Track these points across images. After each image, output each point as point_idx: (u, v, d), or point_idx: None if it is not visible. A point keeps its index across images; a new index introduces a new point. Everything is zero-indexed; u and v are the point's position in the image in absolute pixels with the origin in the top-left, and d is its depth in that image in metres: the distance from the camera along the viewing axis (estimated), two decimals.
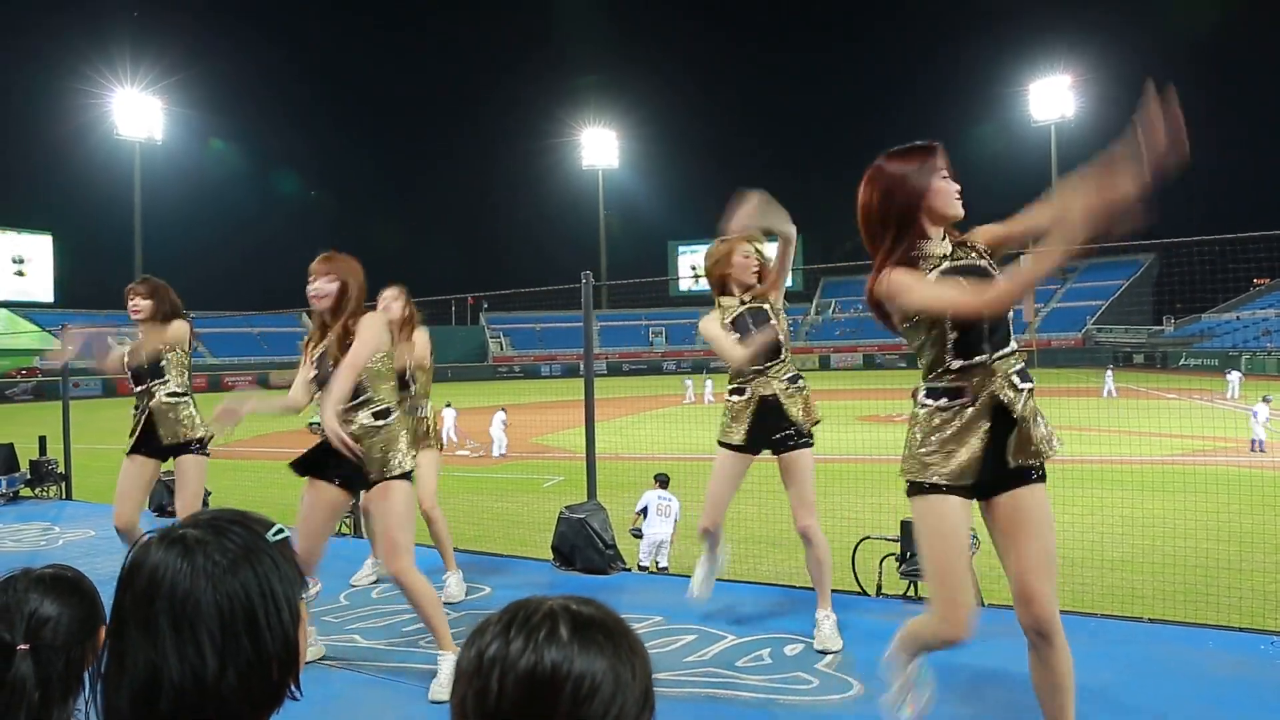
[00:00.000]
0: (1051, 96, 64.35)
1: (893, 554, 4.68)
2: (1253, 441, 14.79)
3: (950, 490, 2.38)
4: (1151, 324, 55.68)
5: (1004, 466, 2.38)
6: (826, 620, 3.91)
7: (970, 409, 2.37)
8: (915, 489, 2.43)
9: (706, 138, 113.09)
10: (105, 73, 61.14)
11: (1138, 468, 11.83)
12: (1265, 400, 15.41)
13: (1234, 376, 25.02)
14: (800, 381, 3.98)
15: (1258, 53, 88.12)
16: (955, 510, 2.39)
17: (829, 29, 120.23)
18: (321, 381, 3.50)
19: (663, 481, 7.80)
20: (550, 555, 5.58)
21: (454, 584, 4.87)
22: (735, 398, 3.95)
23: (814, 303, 72.66)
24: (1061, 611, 3.05)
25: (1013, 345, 2.43)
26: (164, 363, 4.54)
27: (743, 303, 3.96)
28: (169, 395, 4.51)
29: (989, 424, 2.37)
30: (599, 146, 76.62)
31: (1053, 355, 50.22)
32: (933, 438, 2.41)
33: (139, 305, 4.53)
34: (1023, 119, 67.25)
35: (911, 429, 2.48)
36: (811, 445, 3.93)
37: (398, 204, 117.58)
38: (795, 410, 3.87)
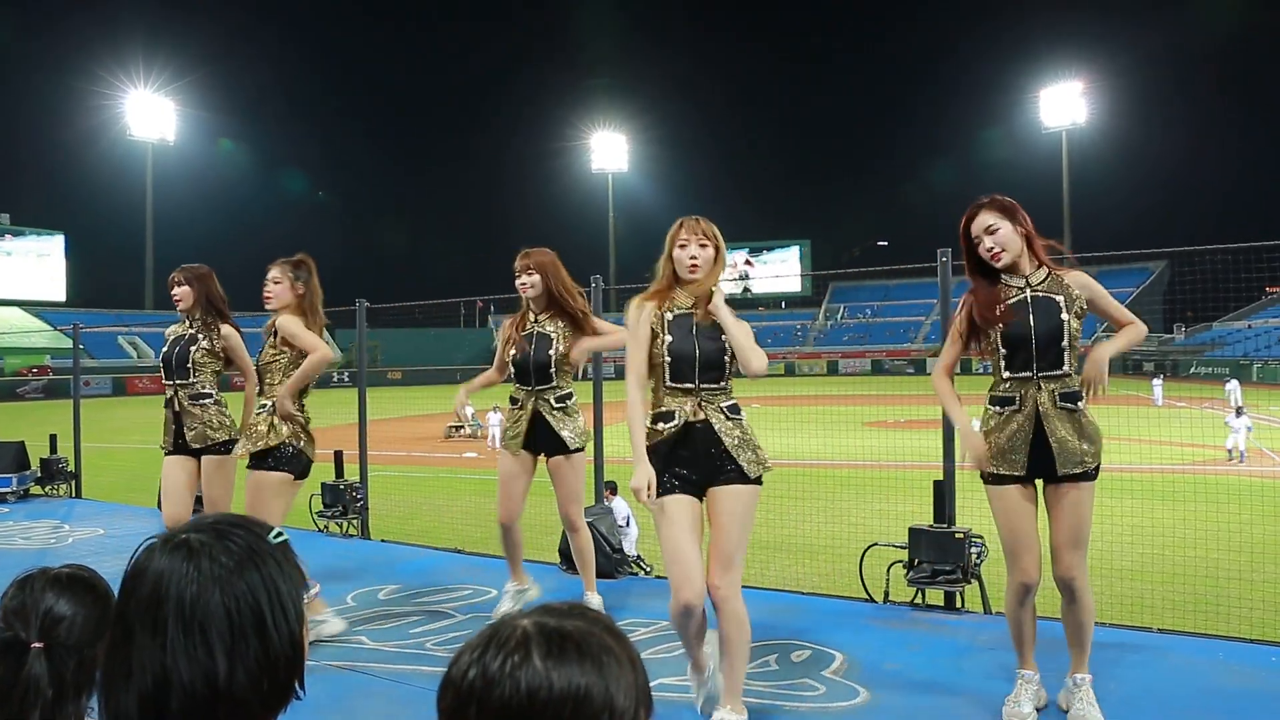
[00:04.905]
0: (1062, 103, 64.18)
1: (900, 561, 4.67)
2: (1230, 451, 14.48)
3: (1007, 480, 3.05)
4: (1162, 332, 55.42)
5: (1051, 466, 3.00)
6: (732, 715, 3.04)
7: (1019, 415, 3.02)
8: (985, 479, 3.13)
9: (716, 142, 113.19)
10: (119, 74, 61.65)
11: (1147, 476, 11.77)
12: (1239, 413, 15.06)
13: (1232, 385, 24.89)
14: (741, 413, 3.12)
15: (1271, 61, 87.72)
16: (1011, 495, 3.05)
17: (839, 35, 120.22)
18: (519, 362, 4.20)
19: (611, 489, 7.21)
20: (558, 559, 5.59)
21: (595, 604, 4.20)
22: (662, 424, 3.05)
23: (822, 308, 72.55)
24: None
25: (1064, 368, 2.99)
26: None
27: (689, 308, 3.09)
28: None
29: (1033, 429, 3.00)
30: (609, 150, 76.74)
31: None
32: (989, 438, 3.09)
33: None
34: (1033, 125, 67.09)
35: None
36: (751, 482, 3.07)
37: (406, 206, 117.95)
38: (731, 440, 3.05)
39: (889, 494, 9.42)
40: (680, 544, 2.96)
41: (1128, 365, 44.90)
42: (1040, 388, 2.97)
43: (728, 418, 3.05)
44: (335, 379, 49.01)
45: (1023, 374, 2.99)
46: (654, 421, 3.07)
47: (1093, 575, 7.08)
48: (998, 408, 3.06)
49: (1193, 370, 42.26)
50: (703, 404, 3.03)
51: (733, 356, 3.06)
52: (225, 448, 4.47)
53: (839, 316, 70.49)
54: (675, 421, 3.02)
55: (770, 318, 72.77)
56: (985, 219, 3.02)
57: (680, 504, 3.00)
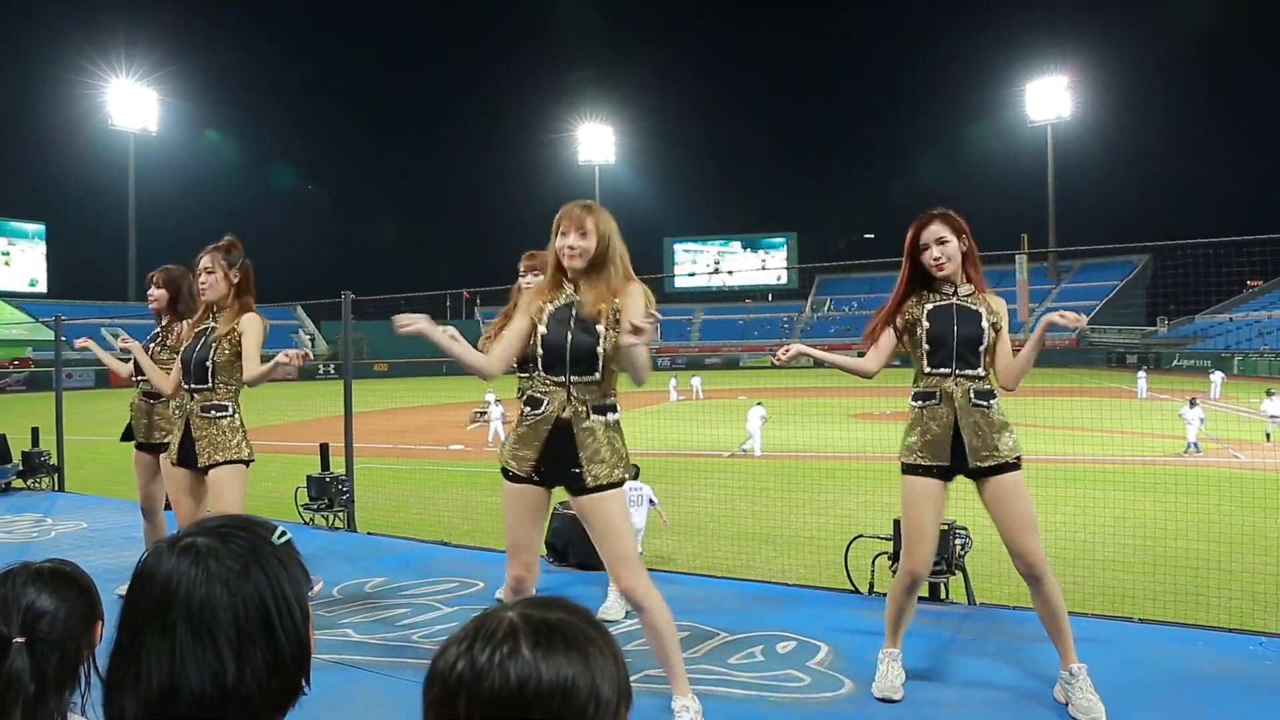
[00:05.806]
0: (1048, 96, 64.43)
1: (885, 553, 4.70)
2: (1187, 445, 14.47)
3: (925, 471, 3.24)
4: (1145, 325, 55.85)
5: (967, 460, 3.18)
6: (685, 712, 3.07)
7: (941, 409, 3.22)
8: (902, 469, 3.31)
9: (703, 135, 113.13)
10: (100, 63, 60.99)
11: (1128, 467, 11.88)
12: (1192, 404, 15.11)
13: (1216, 377, 25.18)
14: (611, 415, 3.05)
15: (1254, 56, 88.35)
16: (925, 487, 3.22)
17: (826, 28, 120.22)
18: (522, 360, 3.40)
19: (631, 473, 7.60)
20: (544, 551, 5.59)
21: (611, 600, 4.50)
22: (530, 410, 3.05)
23: (809, 300, 72.71)
24: None
25: (980, 370, 3.21)
26: None
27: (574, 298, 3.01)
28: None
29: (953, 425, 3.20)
30: (595, 142, 76.56)
31: (1046, 355, 50.27)
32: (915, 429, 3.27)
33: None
34: (1019, 119, 67.35)
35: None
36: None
37: (393, 198, 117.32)
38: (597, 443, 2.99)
39: (874, 486, 9.46)
40: (516, 531, 3.12)
41: (1112, 358, 45.29)
42: (957, 384, 3.20)
43: (593, 418, 2.96)
44: (320, 371, 48.80)
45: (941, 369, 3.22)
46: (525, 403, 3.09)
47: (1075, 566, 7.10)
48: (919, 402, 3.27)
49: (1175, 363, 42.62)
50: (572, 399, 2.96)
51: (606, 352, 2.93)
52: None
53: (825, 309, 70.65)
54: (541, 410, 3.00)
55: (757, 310, 72.89)
56: (939, 230, 3.25)
57: (525, 493, 3.08)
